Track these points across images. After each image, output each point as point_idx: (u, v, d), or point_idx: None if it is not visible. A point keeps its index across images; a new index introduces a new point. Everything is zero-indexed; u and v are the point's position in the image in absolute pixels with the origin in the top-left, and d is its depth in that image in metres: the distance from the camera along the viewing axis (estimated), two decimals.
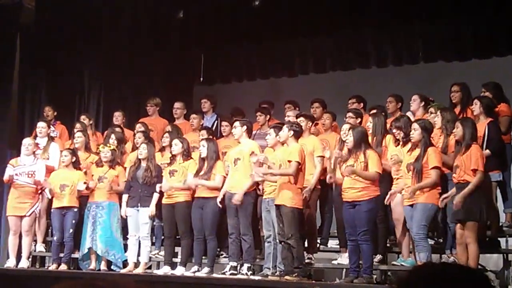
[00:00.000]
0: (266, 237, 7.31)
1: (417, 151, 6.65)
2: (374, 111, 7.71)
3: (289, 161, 6.95)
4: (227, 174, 7.90)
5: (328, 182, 7.32)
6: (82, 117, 9.64)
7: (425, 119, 7.12)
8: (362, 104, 8.45)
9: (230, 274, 7.50)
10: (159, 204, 8.19)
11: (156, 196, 8.14)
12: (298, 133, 7.18)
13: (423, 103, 7.85)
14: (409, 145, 6.84)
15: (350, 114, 7.81)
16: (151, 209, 8.11)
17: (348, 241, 6.89)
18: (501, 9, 8.45)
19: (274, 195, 7.10)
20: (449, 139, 6.92)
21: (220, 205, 7.72)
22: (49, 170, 8.71)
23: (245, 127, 7.85)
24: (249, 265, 7.53)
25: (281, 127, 7.25)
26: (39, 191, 8.67)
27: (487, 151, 6.78)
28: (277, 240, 7.07)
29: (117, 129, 9.07)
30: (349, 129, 7.00)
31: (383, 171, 6.88)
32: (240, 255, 7.65)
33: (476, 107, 7.13)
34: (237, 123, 7.92)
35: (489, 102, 7.20)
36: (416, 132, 6.67)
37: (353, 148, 6.81)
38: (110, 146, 8.56)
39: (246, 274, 7.44)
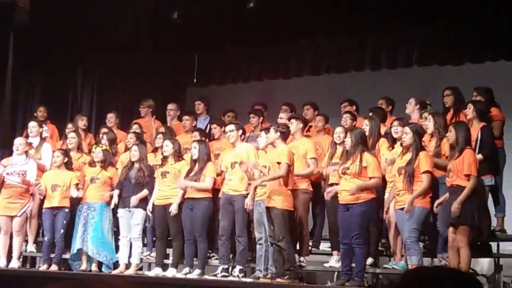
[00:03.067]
0: (258, 239, 7.29)
1: (408, 155, 6.65)
2: (371, 114, 7.72)
3: (278, 163, 6.93)
4: (217, 175, 7.90)
5: (327, 198, 7.29)
6: (83, 118, 9.60)
7: (416, 123, 7.13)
8: (354, 107, 8.47)
9: (222, 276, 7.48)
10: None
11: (145, 192, 8.10)
12: (285, 135, 7.19)
13: (418, 106, 7.86)
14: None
15: (348, 115, 7.82)
16: (134, 201, 8.06)
17: (341, 244, 6.88)
18: (495, 14, 8.47)
19: (265, 197, 7.09)
20: (441, 143, 6.91)
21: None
22: (41, 170, 8.68)
23: (240, 130, 7.84)
24: (241, 267, 7.50)
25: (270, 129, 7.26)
26: (31, 191, 8.63)
27: (480, 155, 6.77)
28: (269, 243, 7.06)
29: (106, 130, 9.04)
30: (347, 132, 7.01)
31: None
32: (230, 257, 7.63)
33: (470, 111, 7.12)
34: (232, 127, 7.88)
35: (483, 106, 7.19)
36: (407, 136, 6.67)
37: (351, 150, 6.80)
38: (102, 147, 8.53)
39: (238, 276, 7.41)
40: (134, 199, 8.04)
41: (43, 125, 9.43)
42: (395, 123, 7.22)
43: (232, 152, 7.84)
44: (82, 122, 9.52)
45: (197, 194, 7.80)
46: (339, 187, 6.85)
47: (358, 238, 6.66)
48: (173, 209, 7.84)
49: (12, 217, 8.51)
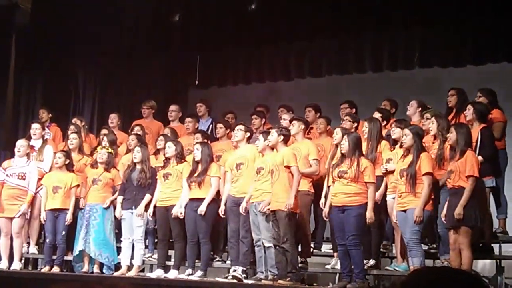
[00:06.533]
0: (255, 241, 7.28)
1: (410, 157, 6.64)
2: (379, 114, 7.69)
3: (287, 167, 6.90)
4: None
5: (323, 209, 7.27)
6: (74, 120, 9.61)
7: (416, 125, 7.13)
8: (354, 110, 8.46)
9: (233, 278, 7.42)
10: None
11: (147, 197, 8.10)
12: (287, 137, 7.19)
13: (419, 108, 7.85)
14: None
15: (348, 117, 7.82)
16: (141, 209, 8.07)
17: (338, 245, 6.89)
18: (498, 15, 8.47)
19: (260, 199, 7.10)
20: (444, 146, 6.90)
21: (223, 215, 7.72)
22: (42, 174, 8.68)
23: (248, 133, 7.84)
24: (244, 268, 7.49)
25: (269, 132, 7.25)
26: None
27: (480, 157, 6.77)
28: (267, 245, 7.03)
29: (106, 131, 9.04)
30: (344, 135, 7.00)
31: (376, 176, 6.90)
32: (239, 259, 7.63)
33: (469, 112, 7.11)
34: (241, 127, 7.87)
35: (482, 108, 7.18)
36: (407, 138, 6.67)
37: (348, 154, 6.81)
38: (108, 149, 8.53)
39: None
40: (140, 209, 8.04)
41: (46, 128, 9.42)
42: (394, 124, 7.23)
43: (236, 153, 7.83)
44: (78, 123, 9.47)
45: (201, 195, 7.79)
46: (333, 190, 6.83)
47: (353, 239, 6.64)
48: (176, 212, 7.82)
49: (11, 219, 8.50)
